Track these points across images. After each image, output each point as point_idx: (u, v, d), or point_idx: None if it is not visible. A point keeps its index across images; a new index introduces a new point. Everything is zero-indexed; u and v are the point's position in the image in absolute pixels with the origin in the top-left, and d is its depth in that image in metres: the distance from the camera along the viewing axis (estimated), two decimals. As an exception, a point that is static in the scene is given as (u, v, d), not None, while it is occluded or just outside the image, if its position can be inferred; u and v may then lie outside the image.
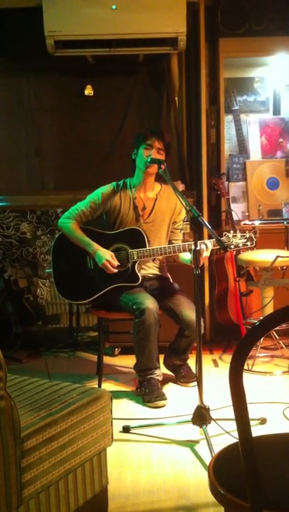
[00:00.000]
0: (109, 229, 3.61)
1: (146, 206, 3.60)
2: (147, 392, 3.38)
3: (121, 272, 3.47)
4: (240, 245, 3.32)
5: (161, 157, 3.46)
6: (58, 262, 3.61)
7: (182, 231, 3.66)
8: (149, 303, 3.32)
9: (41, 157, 4.78)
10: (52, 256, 3.64)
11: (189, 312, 3.39)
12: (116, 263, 3.43)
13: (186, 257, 3.48)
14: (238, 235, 3.34)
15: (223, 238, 3.30)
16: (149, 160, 3.41)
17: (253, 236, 3.33)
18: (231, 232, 3.36)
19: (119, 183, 3.62)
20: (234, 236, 3.32)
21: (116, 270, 3.43)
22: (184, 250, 3.40)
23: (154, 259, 3.58)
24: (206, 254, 3.25)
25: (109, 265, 3.41)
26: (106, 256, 3.43)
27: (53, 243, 3.67)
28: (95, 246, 3.48)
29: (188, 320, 3.39)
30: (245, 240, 3.32)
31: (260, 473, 1.24)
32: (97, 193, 3.58)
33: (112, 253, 3.46)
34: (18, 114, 4.72)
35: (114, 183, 3.62)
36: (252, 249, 4.01)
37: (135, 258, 3.45)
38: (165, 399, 3.36)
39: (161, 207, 3.61)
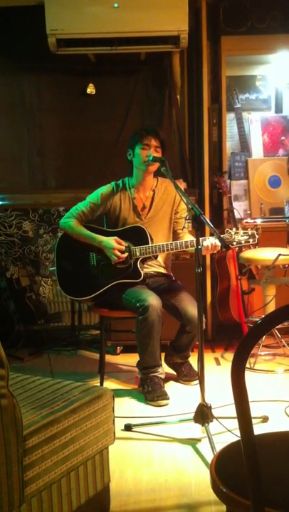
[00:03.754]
0: (110, 229, 3.62)
1: (146, 205, 3.61)
2: (150, 391, 3.38)
3: (123, 269, 3.47)
4: (243, 242, 3.31)
5: (159, 155, 3.46)
6: (62, 260, 3.62)
7: (186, 222, 3.66)
8: (152, 300, 3.33)
9: (43, 156, 4.77)
10: (55, 254, 3.65)
11: (191, 308, 3.40)
12: (123, 247, 3.44)
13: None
14: (241, 231, 3.33)
15: (226, 235, 3.30)
16: (150, 158, 3.41)
17: (255, 233, 3.33)
18: (234, 229, 3.36)
19: (118, 183, 3.63)
20: (236, 233, 3.32)
21: (126, 254, 3.43)
22: (186, 247, 3.40)
23: (155, 257, 3.57)
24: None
25: (118, 253, 3.42)
26: (112, 244, 3.44)
27: (56, 241, 3.69)
28: (99, 237, 3.49)
29: (190, 315, 3.39)
30: (247, 237, 3.31)
31: (261, 471, 1.24)
32: (96, 194, 3.59)
33: (116, 237, 3.46)
34: (19, 112, 4.72)
35: (113, 183, 3.62)
36: (254, 246, 4.01)
37: (138, 255, 3.45)
38: (167, 398, 3.36)
39: (159, 200, 3.62)
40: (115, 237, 3.47)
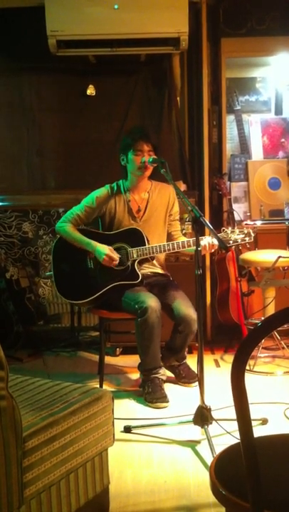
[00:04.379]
0: (104, 231, 3.62)
1: (141, 208, 3.62)
2: (150, 392, 3.38)
3: (121, 271, 3.47)
4: (239, 241, 3.32)
5: None
6: (59, 264, 3.61)
7: (186, 224, 3.66)
8: (151, 301, 3.32)
9: (43, 157, 4.77)
10: (52, 257, 3.64)
11: (184, 307, 3.40)
12: (116, 256, 3.44)
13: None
14: (237, 230, 3.35)
15: (222, 234, 3.31)
16: (150, 160, 3.42)
17: (251, 231, 3.34)
18: (230, 228, 3.37)
19: (112, 186, 3.63)
20: (232, 232, 3.33)
21: (117, 262, 3.44)
22: (183, 247, 3.40)
23: (152, 258, 3.56)
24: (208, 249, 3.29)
25: (108, 259, 3.42)
26: (105, 250, 3.44)
27: (53, 245, 3.68)
28: (94, 243, 3.49)
29: (182, 314, 3.39)
30: (243, 236, 3.32)
31: (261, 473, 1.24)
32: (92, 197, 3.59)
33: (111, 247, 3.47)
34: (19, 113, 4.72)
35: (108, 186, 3.63)
36: (252, 247, 4.01)
37: (135, 256, 3.45)
38: (167, 401, 3.35)
39: (154, 203, 3.63)
40: (110, 247, 3.47)
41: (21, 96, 4.71)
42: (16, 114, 4.73)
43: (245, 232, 3.33)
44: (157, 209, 3.63)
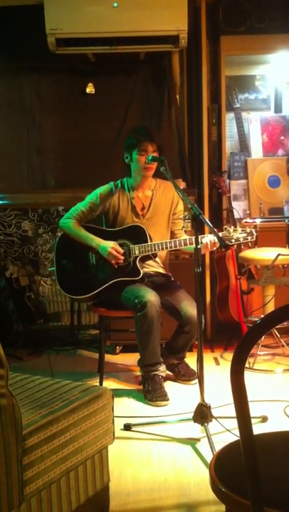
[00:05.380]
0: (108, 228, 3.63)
1: (145, 206, 3.62)
2: (150, 390, 3.38)
3: (122, 267, 3.48)
4: (241, 239, 3.30)
5: None
6: (61, 260, 3.63)
7: (185, 221, 3.66)
8: (151, 296, 3.33)
9: (42, 155, 4.77)
10: (55, 253, 3.66)
11: (190, 308, 3.40)
12: (121, 250, 3.45)
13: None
14: (239, 229, 3.33)
15: (224, 232, 3.30)
16: (150, 158, 3.42)
17: (253, 231, 3.33)
18: (232, 227, 3.36)
19: (116, 183, 3.63)
20: (235, 231, 3.32)
21: (122, 258, 3.44)
22: (185, 245, 3.41)
23: (154, 256, 3.56)
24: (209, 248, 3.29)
25: (114, 252, 3.43)
26: (110, 245, 3.45)
27: (56, 241, 3.69)
28: (97, 240, 3.50)
29: (189, 315, 3.39)
30: (245, 235, 3.30)
31: (261, 471, 1.24)
32: (95, 194, 3.60)
33: (115, 242, 3.47)
34: (19, 112, 4.72)
35: (112, 184, 3.63)
36: (253, 246, 4.01)
37: (137, 253, 3.46)
38: (167, 399, 3.36)
39: (158, 201, 3.63)
40: (114, 242, 3.47)
41: (21, 96, 4.70)
42: (16, 114, 4.72)
43: (248, 231, 3.31)
44: (161, 207, 3.63)
